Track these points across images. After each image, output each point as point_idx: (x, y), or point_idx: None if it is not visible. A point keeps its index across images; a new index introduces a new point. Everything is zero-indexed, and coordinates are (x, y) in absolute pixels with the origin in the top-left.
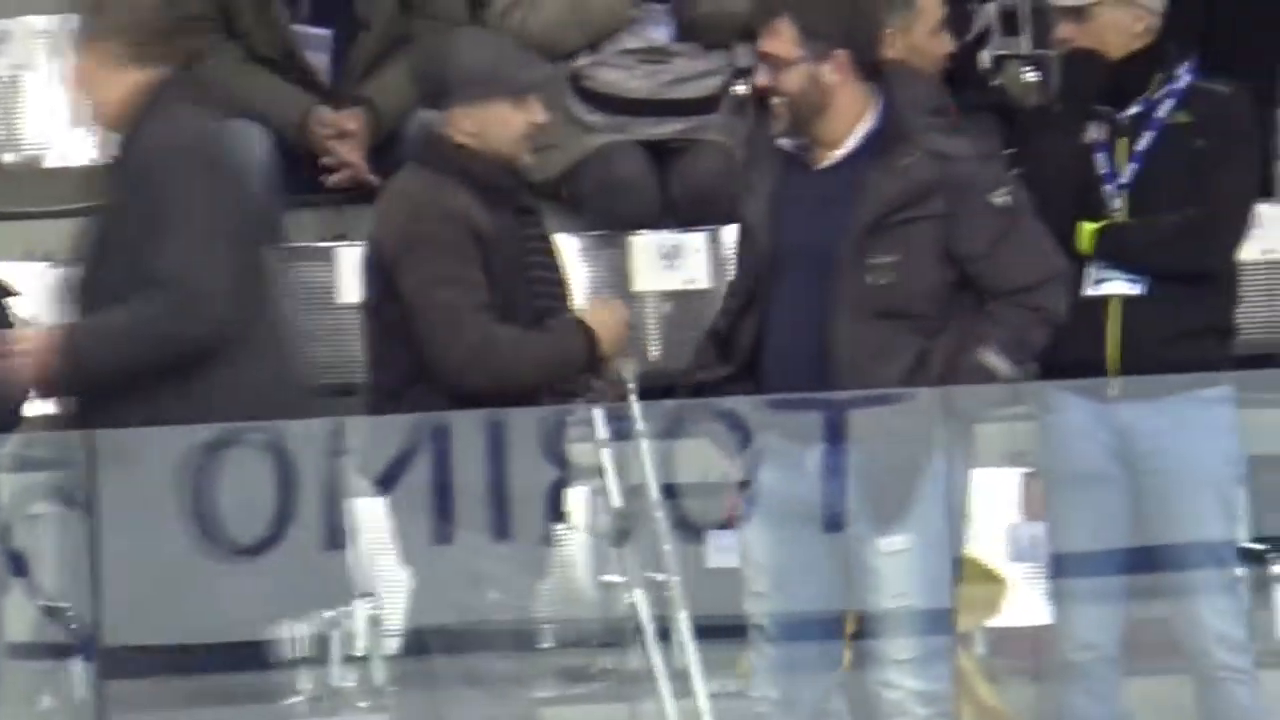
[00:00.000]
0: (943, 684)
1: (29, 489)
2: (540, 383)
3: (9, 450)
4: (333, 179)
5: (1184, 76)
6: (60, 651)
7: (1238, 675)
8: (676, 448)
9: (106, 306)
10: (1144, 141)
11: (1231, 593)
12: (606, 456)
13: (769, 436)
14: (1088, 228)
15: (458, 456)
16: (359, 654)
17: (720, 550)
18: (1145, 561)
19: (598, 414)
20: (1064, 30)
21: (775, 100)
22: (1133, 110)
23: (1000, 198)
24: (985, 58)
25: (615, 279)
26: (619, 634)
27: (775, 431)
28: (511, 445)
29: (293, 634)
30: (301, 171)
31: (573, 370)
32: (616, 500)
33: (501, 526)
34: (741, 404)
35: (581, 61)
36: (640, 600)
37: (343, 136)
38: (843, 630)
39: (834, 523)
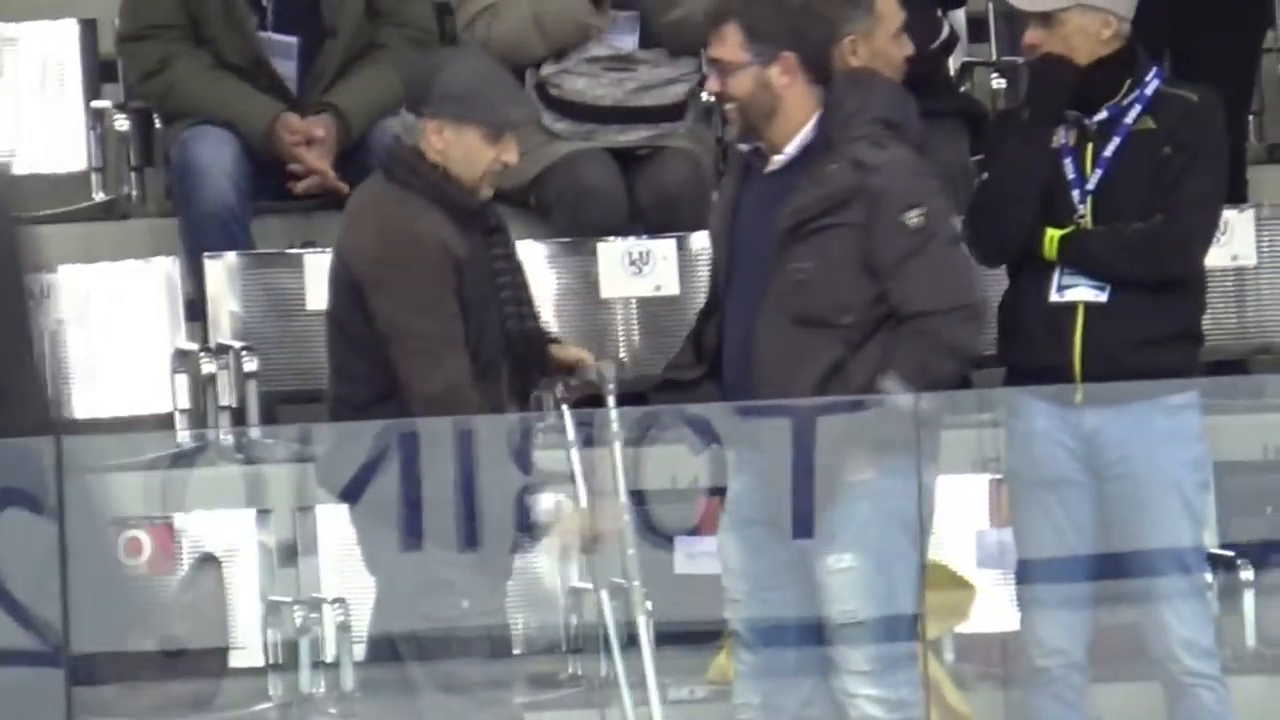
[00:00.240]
0: (908, 691)
1: None
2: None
3: None
4: (301, 186)
5: (1152, 82)
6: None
7: (1205, 681)
8: (644, 454)
9: None
10: (1111, 147)
11: (1198, 599)
12: (575, 460)
13: (737, 442)
14: (1053, 234)
15: (424, 464)
16: (328, 660)
17: (690, 557)
18: (1112, 568)
19: (568, 416)
20: (1032, 36)
21: (727, 105)
22: (1100, 116)
23: (914, 219)
24: (953, 64)
25: (584, 286)
26: (589, 640)
27: (742, 437)
28: (479, 452)
29: (264, 640)
30: (269, 178)
31: None
32: (585, 505)
33: (469, 534)
34: (711, 410)
35: (548, 70)
36: (606, 605)
37: (310, 143)
38: (822, 636)
39: (798, 530)
